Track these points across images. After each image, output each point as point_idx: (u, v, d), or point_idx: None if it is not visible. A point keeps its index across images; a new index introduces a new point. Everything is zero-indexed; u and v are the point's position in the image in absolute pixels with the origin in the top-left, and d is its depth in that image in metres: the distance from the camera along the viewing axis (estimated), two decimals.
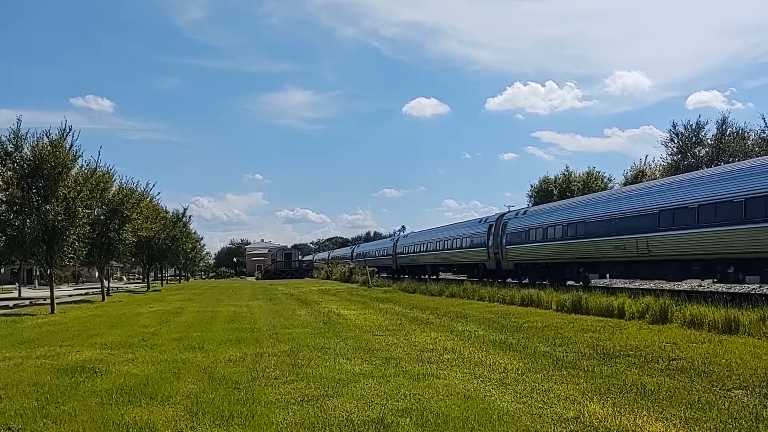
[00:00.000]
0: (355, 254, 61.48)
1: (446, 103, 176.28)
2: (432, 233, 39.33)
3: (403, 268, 43.63)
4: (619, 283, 21.72)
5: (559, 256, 21.96)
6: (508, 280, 26.24)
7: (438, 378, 6.75)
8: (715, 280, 16.01)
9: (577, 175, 50.38)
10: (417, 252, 40.01)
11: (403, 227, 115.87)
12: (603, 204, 20.20)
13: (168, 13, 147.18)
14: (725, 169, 16.84)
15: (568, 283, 21.65)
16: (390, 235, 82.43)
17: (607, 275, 21.50)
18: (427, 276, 37.04)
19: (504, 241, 26.25)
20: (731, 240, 14.06)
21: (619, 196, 20.42)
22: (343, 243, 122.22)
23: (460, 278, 32.26)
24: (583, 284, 21.08)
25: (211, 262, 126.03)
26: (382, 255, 50.39)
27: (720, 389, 5.91)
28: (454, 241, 32.55)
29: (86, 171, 20.75)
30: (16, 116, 18.90)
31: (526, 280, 24.24)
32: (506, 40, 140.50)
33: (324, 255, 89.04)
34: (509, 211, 29.18)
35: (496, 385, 6.32)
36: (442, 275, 38.05)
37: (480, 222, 30.56)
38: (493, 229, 27.72)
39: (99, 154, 24.38)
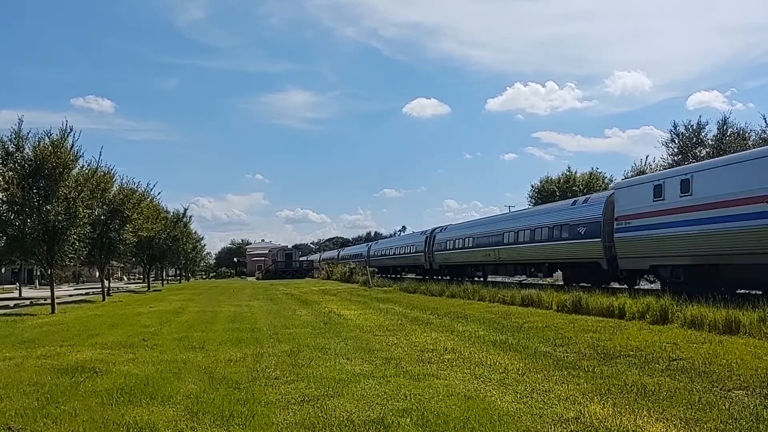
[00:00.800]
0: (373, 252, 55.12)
1: (446, 103, 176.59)
2: (391, 241, 55.05)
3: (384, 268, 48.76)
4: (498, 278, 29.33)
5: (462, 260, 32.54)
6: (435, 277, 35.76)
7: (438, 378, 6.75)
8: (533, 274, 25.74)
9: (579, 175, 50.37)
10: (385, 255, 49.98)
11: (404, 227, 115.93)
12: (483, 225, 30.88)
13: (168, 13, 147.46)
14: (535, 210, 28.08)
15: (475, 279, 30.65)
16: (391, 235, 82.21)
17: (488, 274, 30.19)
18: (399, 275, 44.67)
19: (433, 248, 36.95)
20: (536, 251, 23.67)
21: (493, 219, 31.27)
22: (343, 243, 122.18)
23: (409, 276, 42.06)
24: (483, 279, 29.97)
25: (212, 262, 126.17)
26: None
27: (720, 390, 5.90)
28: (406, 248, 44.09)
29: (87, 171, 20.77)
30: (17, 116, 18.98)
31: (447, 277, 33.74)
32: (506, 40, 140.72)
33: (331, 254, 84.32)
34: (439, 228, 38.50)
35: (497, 386, 6.32)
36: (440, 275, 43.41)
37: (422, 234, 41.38)
38: (427, 240, 38.33)
39: (100, 155, 24.54)
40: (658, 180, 16.37)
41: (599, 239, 19.26)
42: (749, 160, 13.63)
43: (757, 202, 12.73)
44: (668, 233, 15.34)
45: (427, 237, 38.40)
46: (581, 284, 19.43)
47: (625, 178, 42.81)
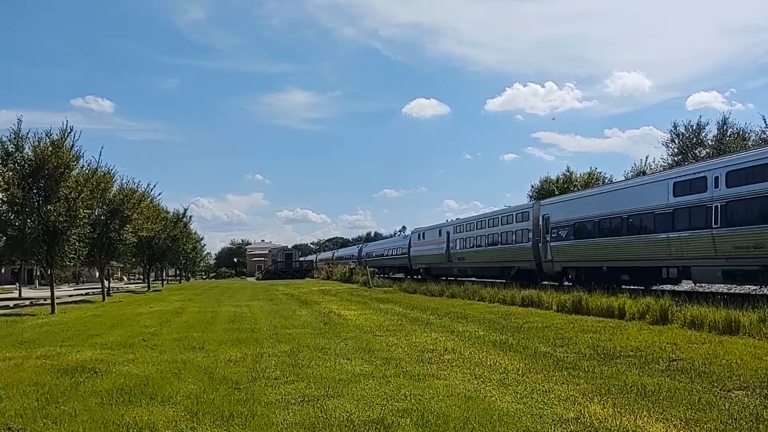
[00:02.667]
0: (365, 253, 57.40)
1: (446, 103, 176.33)
2: (380, 244, 60.13)
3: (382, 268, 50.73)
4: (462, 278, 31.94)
5: (429, 263, 38.48)
6: (415, 276, 40.21)
7: (438, 378, 6.75)
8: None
9: (578, 175, 50.35)
10: (378, 256, 53.19)
11: (404, 227, 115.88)
12: (443, 229, 36.27)
13: (168, 13, 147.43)
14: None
15: (441, 277, 34.18)
16: (392, 235, 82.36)
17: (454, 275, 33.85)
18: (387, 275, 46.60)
19: (410, 251, 42.53)
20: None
21: (448, 224, 36.02)
22: (343, 243, 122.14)
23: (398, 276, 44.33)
24: (455, 277, 32.38)
25: (212, 262, 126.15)
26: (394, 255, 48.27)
27: (720, 390, 5.90)
28: (391, 250, 48.92)
29: (87, 171, 20.77)
30: (17, 116, 18.96)
31: (419, 276, 38.54)
32: (506, 40, 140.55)
33: (326, 255, 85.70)
34: (416, 231, 42.41)
35: (497, 386, 6.32)
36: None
37: (404, 237, 47.58)
38: (408, 243, 42.70)
39: (100, 155, 24.57)
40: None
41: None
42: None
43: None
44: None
45: (410, 239, 43.83)
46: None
47: (626, 178, 42.89)
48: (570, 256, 21.61)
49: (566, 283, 22.46)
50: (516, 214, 27.17)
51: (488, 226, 29.75)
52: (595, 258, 20.07)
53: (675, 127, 40.53)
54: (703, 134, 39.33)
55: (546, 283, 23.31)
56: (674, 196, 16.23)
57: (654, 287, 18.25)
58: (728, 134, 37.39)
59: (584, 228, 20.65)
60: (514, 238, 26.74)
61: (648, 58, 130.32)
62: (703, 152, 38.14)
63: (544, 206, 24.29)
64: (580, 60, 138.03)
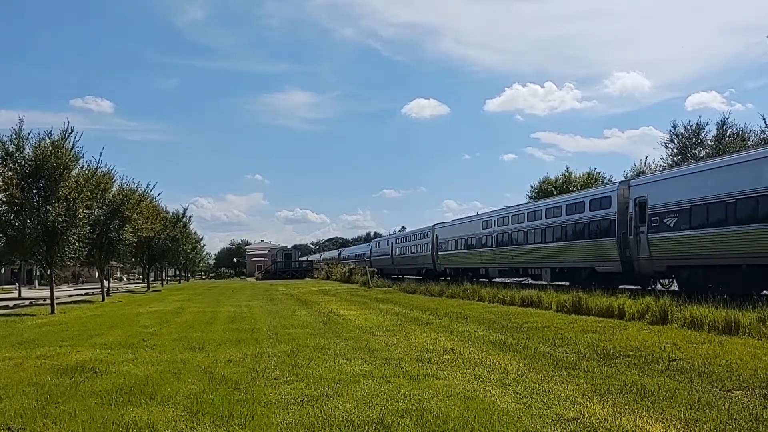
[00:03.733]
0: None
1: (445, 103, 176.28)
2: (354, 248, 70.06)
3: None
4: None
5: (399, 264, 46.69)
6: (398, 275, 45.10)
7: (438, 378, 6.75)
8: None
9: (577, 176, 50.36)
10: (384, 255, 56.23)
11: (403, 227, 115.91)
12: (405, 237, 46.36)
13: (167, 13, 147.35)
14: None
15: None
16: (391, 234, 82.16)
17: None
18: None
19: (394, 252, 48.21)
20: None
21: (409, 233, 45.72)
22: (343, 243, 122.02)
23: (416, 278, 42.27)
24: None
25: (212, 262, 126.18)
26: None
27: (720, 390, 5.91)
28: (411, 246, 47.37)
29: (87, 171, 20.77)
30: (18, 117, 19.04)
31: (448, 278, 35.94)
32: (505, 40, 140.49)
33: (332, 254, 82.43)
34: (382, 238, 51.53)
35: (496, 386, 6.32)
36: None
37: (366, 245, 58.00)
38: (433, 238, 40.04)
39: (100, 155, 24.57)
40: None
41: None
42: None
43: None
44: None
45: (392, 243, 50.24)
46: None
47: (625, 179, 42.85)
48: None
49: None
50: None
51: (546, 217, 23.99)
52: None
53: (674, 127, 40.49)
54: (702, 134, 39.32)
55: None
56: None
57: None
58: (728, 134, 37.38)
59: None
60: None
61: (647, 58, 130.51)
62: (703, 152, 38.14)
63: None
64: (579, 60, 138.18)
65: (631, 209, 18.29)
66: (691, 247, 15.75)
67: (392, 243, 50.01)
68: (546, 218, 23.94)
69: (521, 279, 26.53)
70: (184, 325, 13.73)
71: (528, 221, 25.51)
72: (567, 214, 22.30)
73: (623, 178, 36.47)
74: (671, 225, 16.39)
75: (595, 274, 20.22)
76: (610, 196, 19.90)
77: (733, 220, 14.27)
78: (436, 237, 37.75)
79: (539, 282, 24.10)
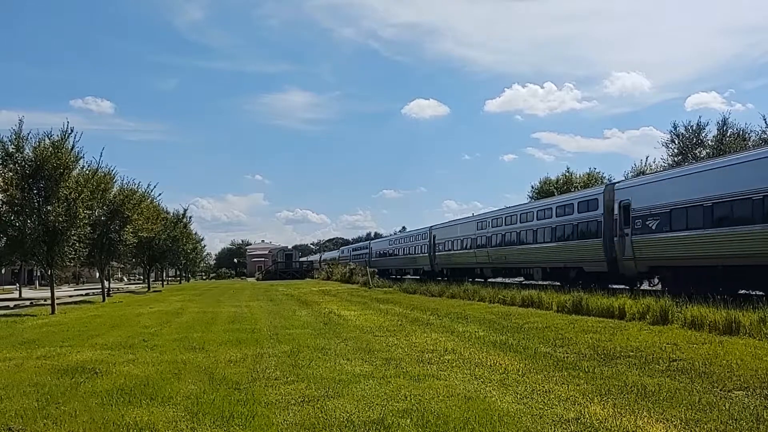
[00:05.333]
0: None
1: (445, 104, 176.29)
2: (354, 249, 68.75)
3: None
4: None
5: (397, 264, 46.79)
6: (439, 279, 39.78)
7: (438, 379, 6.75)
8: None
9: (578, 176, 50.37)
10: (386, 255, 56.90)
11: (404, 228, 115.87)
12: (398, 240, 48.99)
13: (167, 14, 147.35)
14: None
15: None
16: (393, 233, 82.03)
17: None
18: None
19: (370, 259, 51.97)
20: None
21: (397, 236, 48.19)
22: (343, 243, 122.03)
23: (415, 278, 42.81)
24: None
25: (212, 262, 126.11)
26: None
27: (721, 390, 5.90)
28: (405, 247, 47.81)
29: (87, 172, 20.78)
30: (18, 117, 19.01)
31: (445, 278, 36.68)
32: (504, 41, 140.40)
33: (334, 254, 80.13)
34: (382, 239, 53.38)
35: (497, 386, 6.32)
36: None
37: (366, 245, 60.25)
38: (430, 239, 40.66)
39: (100, 156, 24.58)
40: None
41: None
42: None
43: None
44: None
45: (391, 243, 52.06)
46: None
47: (625, 179, 42.83)
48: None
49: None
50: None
51: (537, 219, 24.44)
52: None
53: (675, 127, 40.53)
54: (703, 135, 39.33)
55: (619, 287, 18.81)
56: None
57: None
58: (728, 134, 37.38)
59: (687, 215, 15.44)
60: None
61: (647, 58, 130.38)
62: (704, 153, 38.14)
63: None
64: (579, 60, 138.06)
65: (616, 212, 18.85)
66: (671, 249, 16.32)
67: (391, 243, 50.90)
68: (537, 219, 24.45)
69: (514, 279, 27.01)
70: (185, 326, 13.73)
71: (521, 222, 25.96)
72: (557, 216, 22.80)
73: (623, 178, 36.72)
74: (653, 227, 16.99)
75: (584, 274, 20.73)
76: (597, 199, 20.47)
77: (710, 223, 14.88)
78: (434, 238, 37.89)
79: (531, 281, 24.61)
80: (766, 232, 13.16)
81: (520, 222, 26.00)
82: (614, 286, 19.03)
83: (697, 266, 15.37)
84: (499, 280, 28.61)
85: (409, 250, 43.76)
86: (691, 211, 15.46)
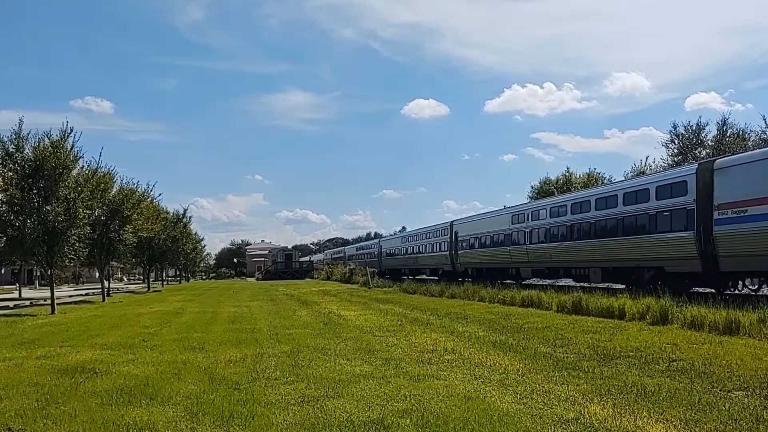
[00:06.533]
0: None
1: (445, 104, 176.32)
2: (360, 248, 67.14)
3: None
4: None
5: (412, 264, 43.63)
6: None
7: (438, 379, 6.75)
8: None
9: (578, 176, 50.38)
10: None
11: (404, 228, 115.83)
12: (406, 239, 47.12)
13: (167, 14, 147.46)
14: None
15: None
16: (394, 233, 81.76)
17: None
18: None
19: (380, 259, 51.38)
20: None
21: (404, 234, 48.19)
22: (343, 243, 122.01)
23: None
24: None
25: (212, 262, 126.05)
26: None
27: (720, 390, 5.90)
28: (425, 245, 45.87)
29: (87, 172, 20.78)
30: (18, 117, 19.06)
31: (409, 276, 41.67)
32: (504, 41, 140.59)
33: (334, 254, 78.84)
34: (393, 236, 52.08)
35: (497, 386, 6.32)
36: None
37: (374, 243, 58.59)
38: (452, 236, 39.26)
39: (100, 156, 24.57)
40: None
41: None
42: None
43: None
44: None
45: (404, 241, 50.60)
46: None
47: (626, 179, 42.69)
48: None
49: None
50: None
51: (595, 209, 20.70)
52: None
53: (675, 127, 40.52)
54: (703, 135, 39.33)
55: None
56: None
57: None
58: (728, 135, 37.38)
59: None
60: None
61: (647, 58, 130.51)
62: (703, 153, 38.14)
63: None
64: (578, 60, 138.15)
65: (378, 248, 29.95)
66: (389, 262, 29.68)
67: (405, 241, 45.43)
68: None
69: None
70: (185, 326, 13.73)
71: (572, 214, 21.85)
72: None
73: (622, 178, 35.18)
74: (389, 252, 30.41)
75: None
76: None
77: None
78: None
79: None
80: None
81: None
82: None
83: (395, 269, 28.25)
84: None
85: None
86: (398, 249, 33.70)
